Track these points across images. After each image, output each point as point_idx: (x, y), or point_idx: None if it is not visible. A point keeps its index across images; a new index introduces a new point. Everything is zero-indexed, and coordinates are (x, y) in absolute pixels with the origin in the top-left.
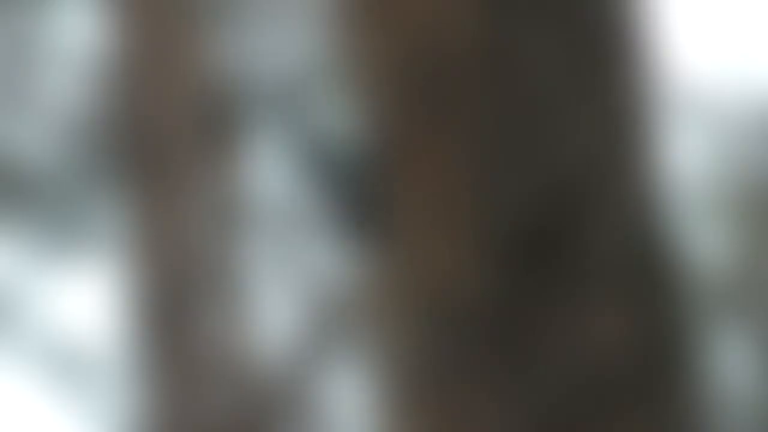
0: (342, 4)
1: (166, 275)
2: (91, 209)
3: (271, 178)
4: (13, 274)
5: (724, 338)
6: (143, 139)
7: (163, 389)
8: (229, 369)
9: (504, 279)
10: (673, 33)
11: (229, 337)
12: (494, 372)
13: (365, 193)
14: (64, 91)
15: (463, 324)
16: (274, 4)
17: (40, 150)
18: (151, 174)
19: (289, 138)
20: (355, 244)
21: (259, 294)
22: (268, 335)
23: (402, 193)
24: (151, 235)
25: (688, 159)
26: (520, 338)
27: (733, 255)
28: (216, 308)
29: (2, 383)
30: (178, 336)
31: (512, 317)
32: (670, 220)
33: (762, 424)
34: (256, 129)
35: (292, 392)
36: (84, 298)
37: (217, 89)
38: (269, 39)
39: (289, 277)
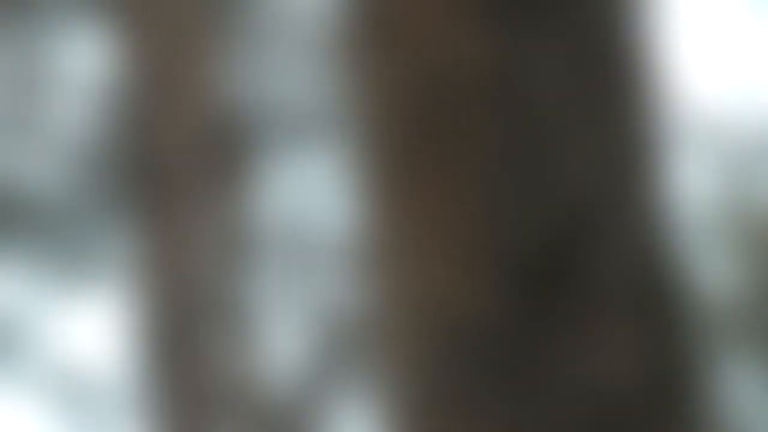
0: (347, 34)
1: (174, 302)
2: (99, 237)
3: (278, 206)
4: (21, 303)
5: (731, 364)
6: (151, 167)
7: (170, 417)
8: (236, 396)
9: (512, 305)
10: (681, 57)
11: (235, 364)
12: (500, 398)
13: (366, 219)
14: (72, 118)
15: (470, 350)
16: (281, 34)
17: (48, 178)
18: (158, 202)
19: (296, 166)
20: (355, 270)
21: (266, 321)
22: (275, 362)
23: (407, 219)
24: (159, 263)
25: (696, 184)
26: (527, 364)
27: (741, 280)
28: (223, 335)
29: (12, 409)
30: (185, 363)
31: (519, 343)
32: (678, 245)
33: None
34: (263, 158)
35: (298, 419)
36: (92, 326)
37: (225, 117)
38: (276, 68)
39: (295, 304)
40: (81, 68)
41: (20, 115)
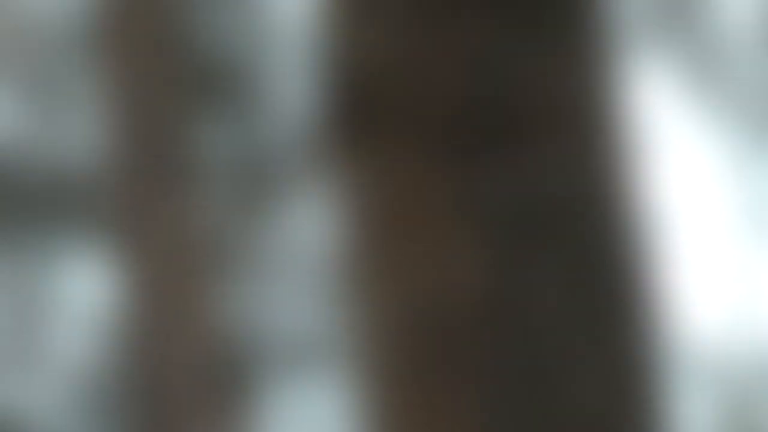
0: (348, 260)
1: None
2: None
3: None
4: None
5: None
6: (152, 398)
7: None
8: None
9: None
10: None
11: None
12: None
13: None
14: (72, 348)
15: None
16: (281, 264)
17: (48, 408)
18: (162, 429)
19: (297, 397)
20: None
21: None
22: None
23: None
24: None
25: (696, 414)
26: None
27: None
28: None
29: None
30: None
31: None
32: None
33: None
34: (263, 389)
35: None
36: None
37: (225, 348)
38: (276, 300)
39: None
40: (82, 299)
41: (21, 345)
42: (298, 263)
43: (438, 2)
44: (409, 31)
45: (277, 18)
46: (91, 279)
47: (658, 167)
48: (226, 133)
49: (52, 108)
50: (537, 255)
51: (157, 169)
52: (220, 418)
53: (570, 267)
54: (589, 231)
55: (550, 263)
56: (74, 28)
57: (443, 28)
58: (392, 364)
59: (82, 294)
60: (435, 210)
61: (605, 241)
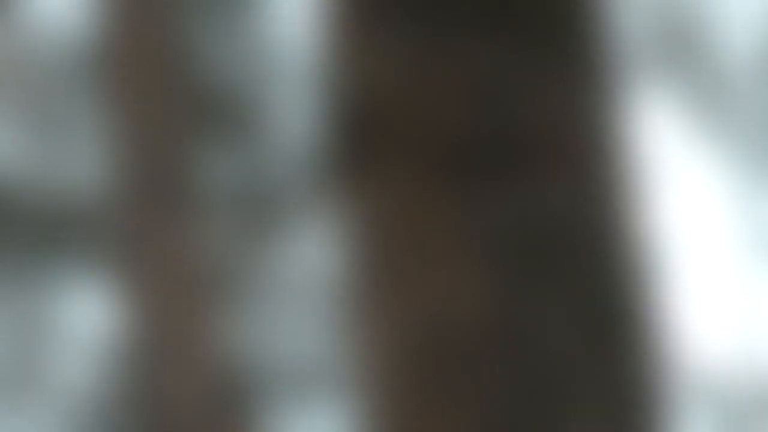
0: (351, 287)
1: None
2: None
3: None
4: None
5: None
6: (155, 425)
7: None
8: None
9: None
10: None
11: None
12: None
13: None
14: (74, 376)
15: None
16: (285, 292)
17: None
18: None
19: (305, 419)
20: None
21: None
22: None
23: None
24: None
25: None
26: None
27: None
28: None
29: None
30: None
31: None
32: None
33: None
34: (268, 416)
35: None
36: None
37: (230, 375)
38: (280, 325)
39: None
40: (84, 327)
41: (23, 372)
42: (301, 291)
43: (439, 30)
44: (410, 59)
45: (280, 47)
46: (94, 307)
47: (661, 196)
48: (229, 162)
49: (55, 137)
50: (540, 282)
51: (160, 198)
52: None
53: (572, 293)
54: (592, 258)
55: (552, 290)
56: (77, 58)
57: (445, 57)
58: (396, 389)
59: (84, 322)
60: (438, 237)
61: (608, 268)
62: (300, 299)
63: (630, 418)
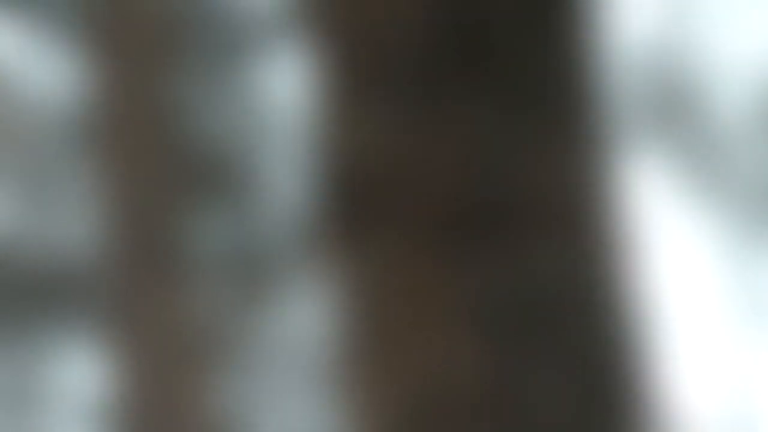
0: (343, 352)
1: None
2: None
3: None
4: None
5: None
6: None
7: None
8: None
9: None
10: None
11: None
12: None
13: None
14: None
15: None
16: (275, 357)
17: None
18: None
19: None
20: None
21: None
22: None
23: None
24: None
25: None
26: None
27: None
28: None
29: None
30: None
31: None
32: None
33: None
34: None
35: None
36: None
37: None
38: (270, 390)
39: None
40: (76, 388)
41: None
42: (293, 355)
43: (432, 97)
44: (402, 124)
45: (272, 112)
46: (85, 369)
47: (653, 260)
48: (222, 225)
49: (48, 201)
50: (532, 347)
51: (151, 261)
52: None
53: (565, 359)
54: (585, 323)
55: (545, 355)
56: (69, 122)
57: (437, 122)
58: None
59: (76, 383)
60: (431, 302)
61: (600, 334)
62: (292, 364)
63: None
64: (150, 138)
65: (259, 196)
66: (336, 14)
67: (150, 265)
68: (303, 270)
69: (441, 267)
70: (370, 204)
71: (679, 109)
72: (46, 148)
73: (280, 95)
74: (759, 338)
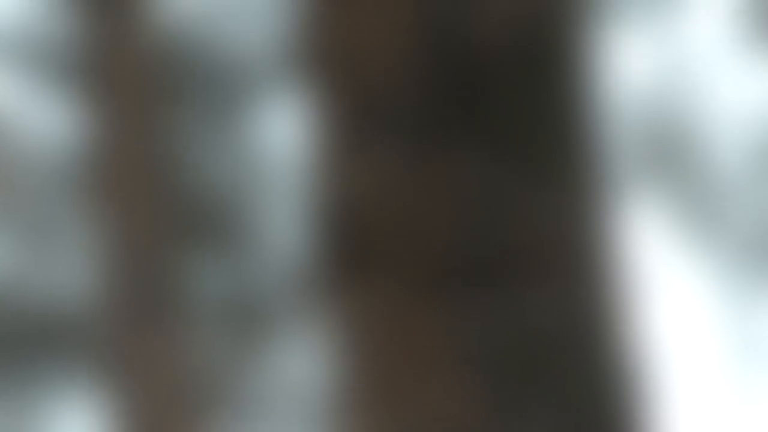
0: (340, 398)
1: None
2: None
3: None
4: None
5: None
6: None
7: None
8: None
9: None
10: (673, 425)
11: None
12: None
13: None
14: None
15: None
16: (272, 403)
17: None
18: None
19: None
20: None
21: None
22: None
23: None
24: None
25: None
26: None
27: None
28: None
29: None
30: None
31: None
32: None
33: None
34: None
35: None
36: None
37: None
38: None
39: None
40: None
41: None
42: (289, 402)
43: (428, 141)
44: (399, 171)
45: (269, 159)
46: (82, 416)
47: (651, 308)
48: (218, 272)
49: (43, 246)
50: (529, 394)
51: (148, 308)
52: None
53: (561, 406)
54: (580, 368)
55: (541, 402)
56: (65, 166)
57: (433, 168)
58: None
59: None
60: (427, 349)
61: (596, 378)
62: (289, 411)
63: None
64: (147, 185)
65: (256, 243)
66: (330, 62)
67: (147, 312)
68: (300, 318)
69: (438, 315)
70: (367, 252)
71: (677, 157)
72: (42, 194)
73: (276, 143)
74: (757, 386)
